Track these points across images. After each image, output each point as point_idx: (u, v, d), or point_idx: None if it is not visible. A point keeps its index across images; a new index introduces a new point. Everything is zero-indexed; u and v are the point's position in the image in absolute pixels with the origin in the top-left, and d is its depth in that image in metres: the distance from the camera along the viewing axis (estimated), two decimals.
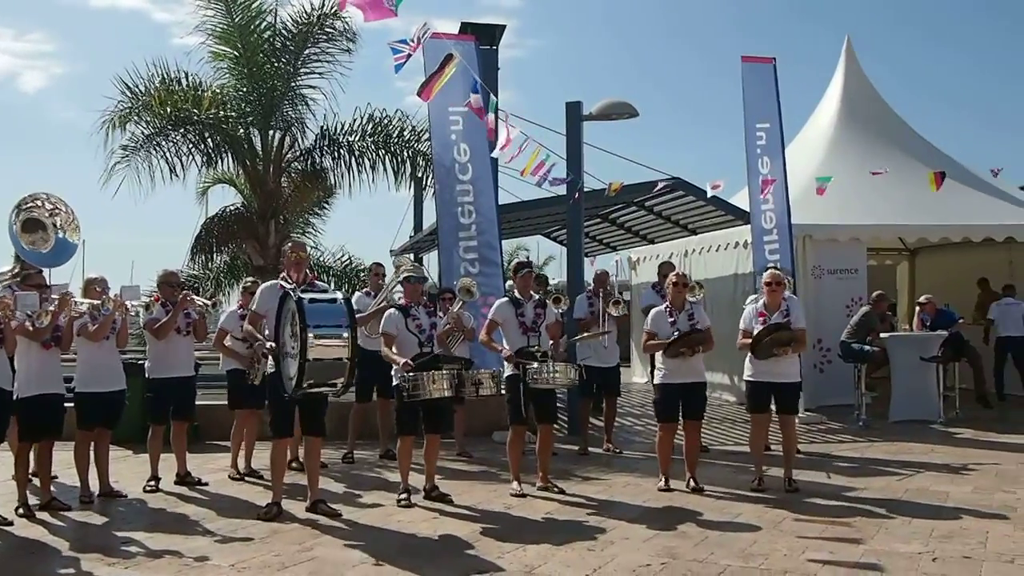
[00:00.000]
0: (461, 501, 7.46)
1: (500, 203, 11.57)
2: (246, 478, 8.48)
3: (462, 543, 6.25)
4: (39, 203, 6.94)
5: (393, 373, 7.46)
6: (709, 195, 12.29)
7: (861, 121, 15.01)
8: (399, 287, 8.03)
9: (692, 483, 7.80)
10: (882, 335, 11.61)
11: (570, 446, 9.95)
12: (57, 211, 6.98)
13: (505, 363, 7.81)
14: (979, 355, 12.13)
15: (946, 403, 11.64)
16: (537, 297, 8.02)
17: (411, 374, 7.19)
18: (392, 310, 7.63)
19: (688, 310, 7.91)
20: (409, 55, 8.34)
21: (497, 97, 10.58)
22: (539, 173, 10.05)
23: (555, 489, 7.81)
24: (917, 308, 12.46)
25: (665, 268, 10.31)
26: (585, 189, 11.51)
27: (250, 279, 9.42)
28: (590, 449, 9.83)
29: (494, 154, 9.94)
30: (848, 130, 14.93)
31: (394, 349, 7.42)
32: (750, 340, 7.75)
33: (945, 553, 5.88)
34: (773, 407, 7.90)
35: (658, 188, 12.33)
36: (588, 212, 13.57)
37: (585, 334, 9.47)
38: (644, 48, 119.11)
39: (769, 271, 8.26)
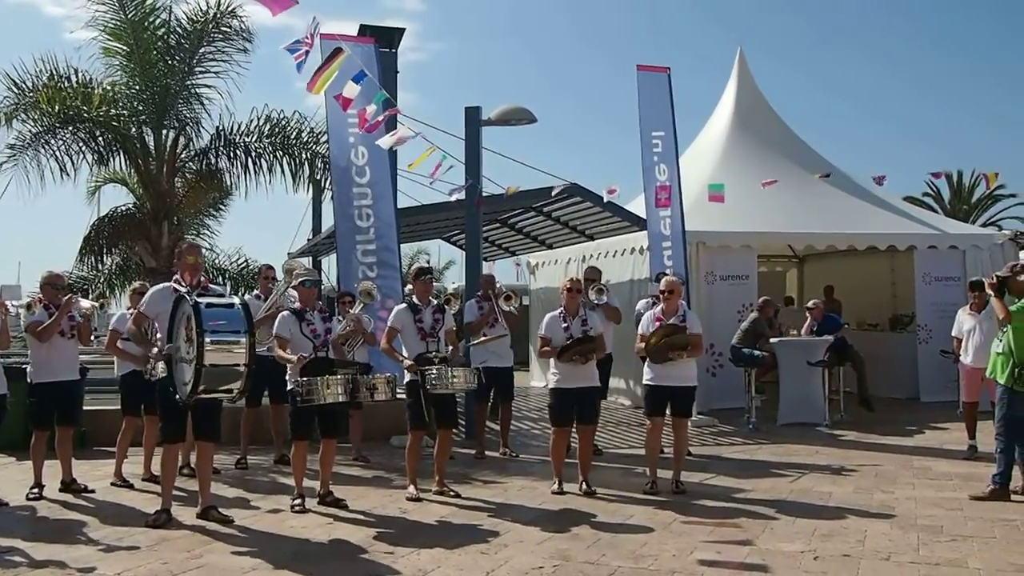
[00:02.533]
0: (356, 506, 7.43)
1: (399, 206, 11.55)
2: (135, 485, 8.26)
3: (356, 548, 6.24)
4: None
5: (288, 378, 7.39)
6: (605, 200, 12.49)
7: (752, 130, 15.50)
8: (291, 291, 7.96)
9: (585, 486, 7.93)
10: (771, 340, 11.99)
11: (467, 450, 10.00)
12: None
13: (405, 369, 7.82)
14: (863, 359, 12.65)
15: (831, 406, 12.09)
16: (435, 303, 8.05)
17: (304, 379, 7.14)
18: (286, 313, 7.56)
19: (582, 315, 8.05)
20: (307, 52, 8.30)
21: (396, 99, 10.61)
22: (435, 173, 10.15)
23: (451, 493, 7.85)
24: (807, 312, 12.87)
25: (591, 273, 10.39)
26: (484, 193, 11.58)
27: (140, 283, 9.20)
28: (487, 453, 9.89)
29: (380, 142, 9.82)
30: (740, 139, 15.39)
31: (288, 351, 7.36)
32: (643, 344, 7.94)
33: (826, 552, 6.12)
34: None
35: (555, 193, 12.51)
36: (487, 216, 13.68)
37: (483, 338, 9.55)
38: (546, 53, 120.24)
39: (665, 279, 8.46)
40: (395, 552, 6.09)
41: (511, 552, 6.12)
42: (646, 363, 8.07)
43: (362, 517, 7.13)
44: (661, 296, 8.23)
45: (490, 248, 18.87)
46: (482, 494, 7.99)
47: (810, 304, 13.02)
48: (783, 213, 13.58)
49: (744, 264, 13.32)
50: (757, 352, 11.82)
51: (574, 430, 8.15)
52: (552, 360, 8.03)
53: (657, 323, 8.01)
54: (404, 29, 12.08)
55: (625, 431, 11.63)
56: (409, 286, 11.00)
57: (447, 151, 10.44)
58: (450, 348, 7.94)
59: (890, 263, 15.25)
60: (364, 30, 11.60)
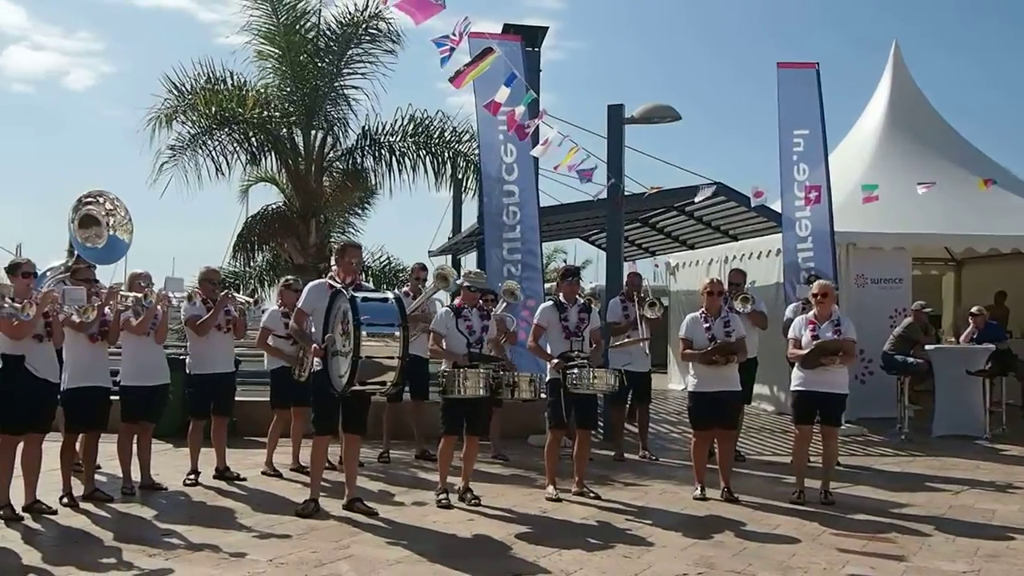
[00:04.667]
0: (497, 504, 7.45)
1: (539, 206, 11.56)
2: (284, 474, 8.52)
3: (499, 545, 6.25)
4: (100, 201, 7.09)
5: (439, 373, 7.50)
6: (752, 203, 12.17)
7: (908, 128, 14.84)
8: (438, 298, 8.08)
9: (727, 493, 7.74)
10: (927, 347, 11.43)
11: (605, 452, 9.89)
12: (115, 211, 7.14)
13: (547, 368, 7.80)
14: None
15: (992, 418, 11.43)
16: (581, 302, 8.00)
17: (447, 371, 7.21)
18: (444, 309, 7.71)
19: (724, 316, 7.86)
20: (452, 49, 8.38)
21: (539, 98, 10.62)
22: (575, 169, 10.10)
23: (591, 494, 7.78)
24: (970, 318, 12.20)
25: (735, 276, 10.14)
26: (626, 193, 11.46)
27: (289, 277, 9.48)
28: (625, 455, 9.78)
29: (534, 152, 9.94)
30: (894, 137, 14.76)
31: (443, 345, 7.49)
32: (801, 351, 7.66)
33: (991, 573, 5.77)
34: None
35: (700, 197, 12.25)
36: (628, 216, 13.51)
37: (626, 339, 9.44)
38: (682, 53, 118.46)
39: (818, 282, 8.15)
40: (538, 551, 6.07)
41: (654, 557, 6.02)
42: (795, 368, 7.80)
43: (503, 515, 7.14)
44: (813, 300, 7.94)
45: (629, 248, 18.66)
46: (622, 496, 7.90)
47: (973, 310, 12.33)
48: (940, 213, 12.90)
49: (897, 267, 12.75)
50: (911, 359, 11.27)
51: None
52: (691, 362, 7.86)
53: (810, 326, 7.73)
54: (547, 28, 12.11)
55: (768, 438, 11.30)
56: (548, 284, 11.04)
57: (589, 150, 10.40)
58: (593, 347, 7.88)
59: None
60: (508, 28, 11.66)
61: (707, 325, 7.80)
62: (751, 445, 10.57)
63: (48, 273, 7.20)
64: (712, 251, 16.05)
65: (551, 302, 8.11)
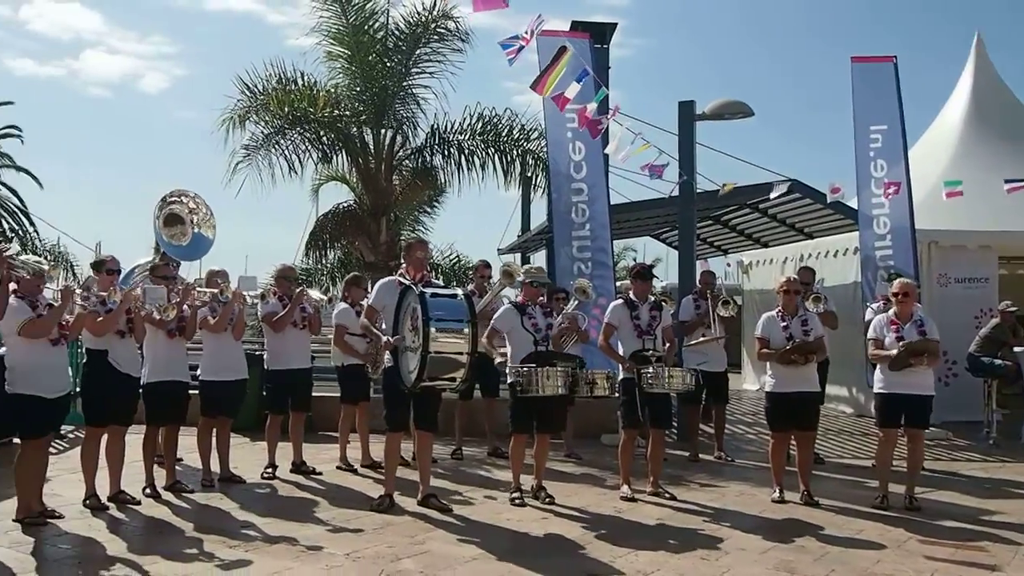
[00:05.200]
0: (570, 503, 7.38)
1: (610, 203, 11.46)
2: (358, 470, 8.57)
3: (573, 544, 6.18)
4: (183, 200, 7.21)
5: (507, 371, 7.44)
6: (829, 200, 11.91)
7: (992, 122, 14.40)
8: (505, 294, 8.03)
9: (806, 496, 7.56)
10: (1015, 349, 11.05)
11: (679, 452, 9.75)
12: (197, 208, 7.26)
13: (620, 366, 7.71)
14: None
15: None
16: (652, 300, 7.89)
17: (525, 370, 7.15)
18: (508, 306, 7.64)
19: (802, 316, 7.69)
20: (521, 47, 8.33)
21: (608, 94, 10.52)
22: (648, 168, 9.98)
23: (666, 495, 7.67)
24: None
25: (804, 275, 9.92)
26: (697, 190, 11.31)
27: (353, 274, 9.55)
28: (700, 456, 9.63)
29: (608, 150, 9.86)
30: (978, 132, 14.34)
31: (495, 342, 7.43)
32: (884, 352, 7.45)
33: None
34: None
35: (774, 194, 12.02)
36: (699, 214, 13.34)
37: (700, 338, 9.29)
38: (756, 45, 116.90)
39: (899, 280, 7.92)
40: (613, 551, 5.99)
41: (732, 560, 5.90)
42: (877, 370, 7.58)
43: (576, 514, 7.07)
44: (894, 299, 7.71)
45: (701, 246, 18.43)
46: (698, 498, 7.77)
47: None
48: None
49: (982, 266, 12.35)
50: (999, 362, 10.90)
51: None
52: (769, 362, 7.70)
53: (893, 327, 7.51)
54: (616, 24, 11.99)
55: (847, 440, 11.03)
56: (620, 283, 10.91)
57: (659, 147, 10.27)
58: (667, 346, 7.77)
59: None
60: (576, 26, 11.57)
61: (784, 324, 7.64)
62: (829, 448, 10.32)
63: (136, 270, 7.35)
64: (786, 249, 15.75)
65: (621, 300, 8.02)
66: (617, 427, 8.23)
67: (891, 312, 7.73)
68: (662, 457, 8.01)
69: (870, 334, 7.75)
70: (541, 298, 7.79)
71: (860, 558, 5.99)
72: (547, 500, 7.34)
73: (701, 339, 9.33)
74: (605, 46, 11.73)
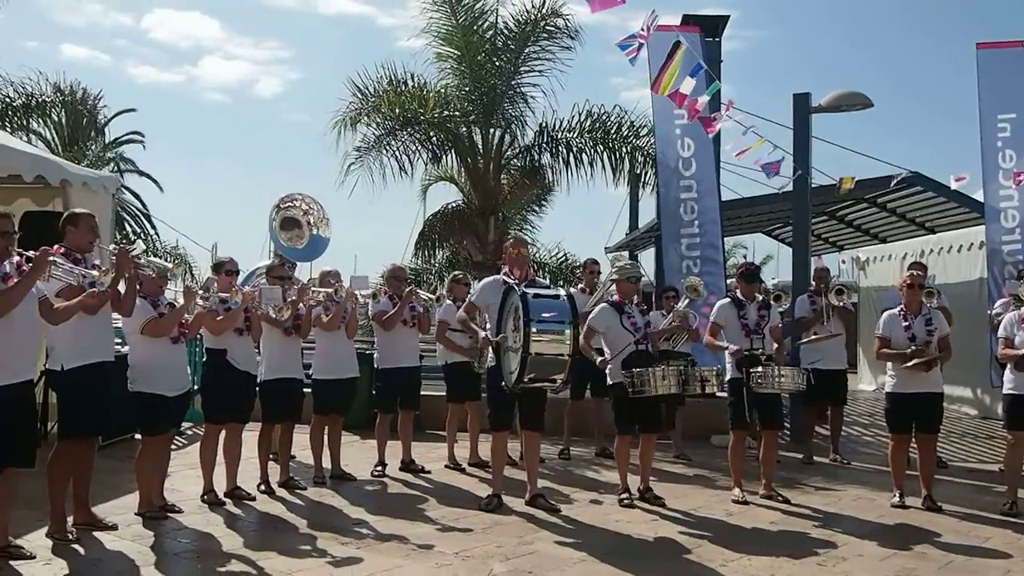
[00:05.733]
0: (679, 505, 7.27)
1: (720, 199, 11.27)
2: (465, 468, 8.63)
3: (682, 548, 6.09)
4: (295, 202, 7.39)
5: (608, 372, 7.37)
6: (952, 187, 11.42)
7: None
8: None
9: (928, 501, 7.27)
10: None
11: (792, 454, 9.50)
12: (311, 210, 7.43)
13: (727, 365, 7.56)
14: None
15: None
16: (760, 299, 7.71)
17: (637, 370, 7.07)
18: (604, 306, 7.54)
19: (925, 314, 7.38)
20: (640, 45, 8.25)
21: (721, 87, 10.33)
22: (761, 163, 9.76)
23: (779, 498, 7.49)
24: None
25: (917, 270, 9.55)
26: (812, 184, 11.00)
27: (458, 272, 9.62)
28: (815, 458, 9.37)
29: (725, 148, 9.69)
30: None
31: (592, 343, 7.34)
32: (1015, 351, 7.08)
33: None
34: None
35: (895, 183, 11.60)
36: (814, 209, 12.98)
37: (813, 336, 9.04)
38: (870, 37, 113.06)
39: None
40: (725, 555, 5.88)
41: (850, 566, 5.72)
42: (1006, 370, 7.22)
43: (686, 517, 6.97)
44: None
45: (815, 242, 17.96)
46: (813, 501, 7.56)
47: None
48: None
49: None
50: None
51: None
52: (889, 362, 7.42)
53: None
54: (728, 17, 11.76)
55: (971, 443, 10.57)
56: (729, 279, 10.73)
57: (774, 141, 10.04)
58: (775, 346, 7.58)
59: None
60: (687, 20, 11.41)
61: (907, 324, 7.34)
62: (952, 451, 9.91)
63: (257, 271, 7.55)
64: (906, 244, 15.17)
65: (728, 299, 7.86)
66: (727, 428, 8.08)
67: (1022, 310, 7.36)
68: (775, 459, 7.82)
69: (1000, 332, 7.37)
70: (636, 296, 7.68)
71: (987, 567, 5.74)
72: (657, 502, 7.26)
73: (813, 336, 9.05)
74: (717, 39, 11.55)
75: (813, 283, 9.85)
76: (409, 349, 8.45)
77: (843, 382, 9.61)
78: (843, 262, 21.49)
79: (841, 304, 9.24)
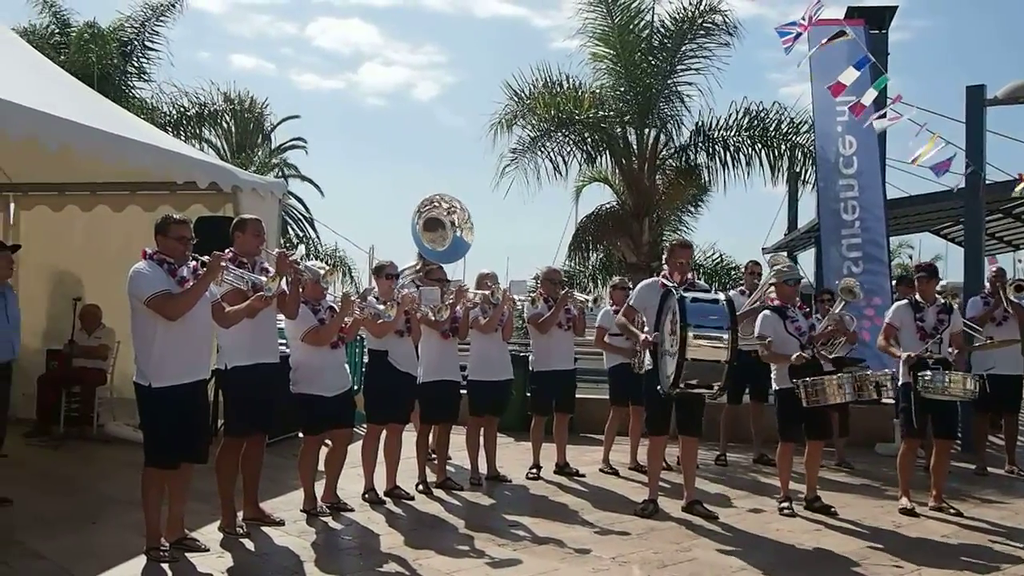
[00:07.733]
0: (844, 515, 7.03)
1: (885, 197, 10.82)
2: (620, 472, 8.59)
3: (847, 560, 5.87)
4: (439, 204, 7.50)
5: (773, 377, 7.19)
6: None
7: None
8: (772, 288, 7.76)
9: None
10: None
11: (964, 464, 9.02)
12: (453, 210, 7.52)
13: (900, 369, 7.26)
14: None
15: None
16: (941, 302, 7.35)
17: (811, 379, 6.89)
18: (767, 312, 7.37)
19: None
20: (799, 34, 8.03)
21: (888, 81, 9.91)
22: (934, 162, 9.27)
23: (951, 510, 7.13)
24: None
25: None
26: (987, 181, 10.43)
27: (618, 278, 9.57)
28: (988, 469, 8.88)
29: (874, 123, 9.17)
30: None
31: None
32: None
33: None
34: None
35: None
36: (989, 207, 12.28)
37: (987, 341, 8.56)
38: None
39: None
40: (894, 570, 5.65)
41: None
42: None
43: (851, 527, 6.73)
44: None
45: (988, 240, 16.97)
46: (986, 514, 7.18)
47: None
48: None
49: None
50: None
51: None
52: None
53: None
54: (895, 7, 11.27)
55: None
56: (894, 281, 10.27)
57: (944, 136, 9.53)
58: (955, 352, 7.21)
59: None
60: (852, 12, 11.02)
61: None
62: None
63: (406, 271, 7.70)
64: None
65: (906, 301, 7.53)
66: (891, 435, 7.75)
67: None
68: (947, 470, 7.45)
69: None
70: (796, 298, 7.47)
71: None
72: (831, 510, 7.04)
73: (987, 342, 8.56)
74: (884, 31, 11.11)
75: (987, 284, 9.33)
76: (564, 352, 8.47)
77: (1019, 388, 9.06)
78: (1020, 261, 20.27)
79: (1019, 301, 8.73)
